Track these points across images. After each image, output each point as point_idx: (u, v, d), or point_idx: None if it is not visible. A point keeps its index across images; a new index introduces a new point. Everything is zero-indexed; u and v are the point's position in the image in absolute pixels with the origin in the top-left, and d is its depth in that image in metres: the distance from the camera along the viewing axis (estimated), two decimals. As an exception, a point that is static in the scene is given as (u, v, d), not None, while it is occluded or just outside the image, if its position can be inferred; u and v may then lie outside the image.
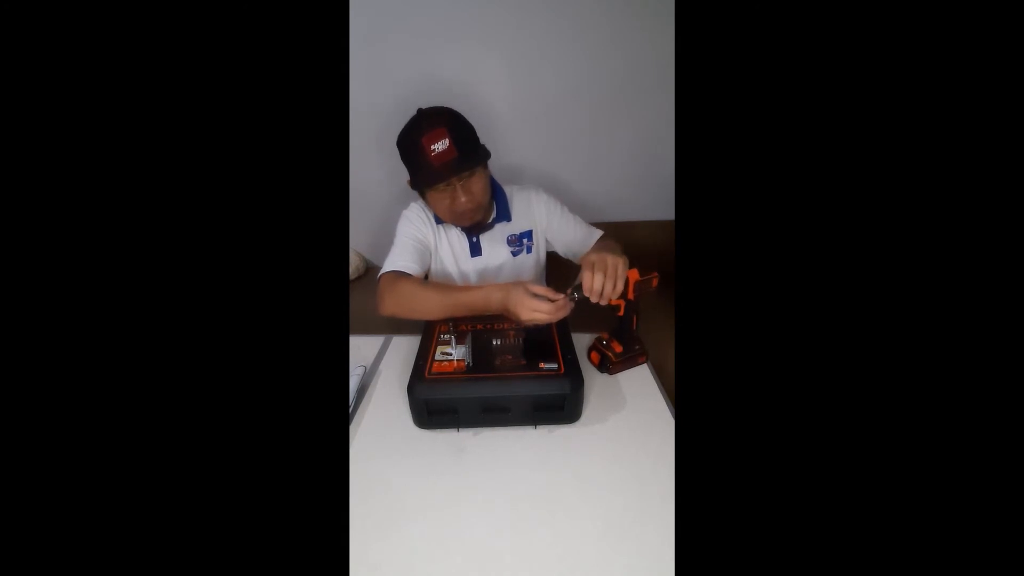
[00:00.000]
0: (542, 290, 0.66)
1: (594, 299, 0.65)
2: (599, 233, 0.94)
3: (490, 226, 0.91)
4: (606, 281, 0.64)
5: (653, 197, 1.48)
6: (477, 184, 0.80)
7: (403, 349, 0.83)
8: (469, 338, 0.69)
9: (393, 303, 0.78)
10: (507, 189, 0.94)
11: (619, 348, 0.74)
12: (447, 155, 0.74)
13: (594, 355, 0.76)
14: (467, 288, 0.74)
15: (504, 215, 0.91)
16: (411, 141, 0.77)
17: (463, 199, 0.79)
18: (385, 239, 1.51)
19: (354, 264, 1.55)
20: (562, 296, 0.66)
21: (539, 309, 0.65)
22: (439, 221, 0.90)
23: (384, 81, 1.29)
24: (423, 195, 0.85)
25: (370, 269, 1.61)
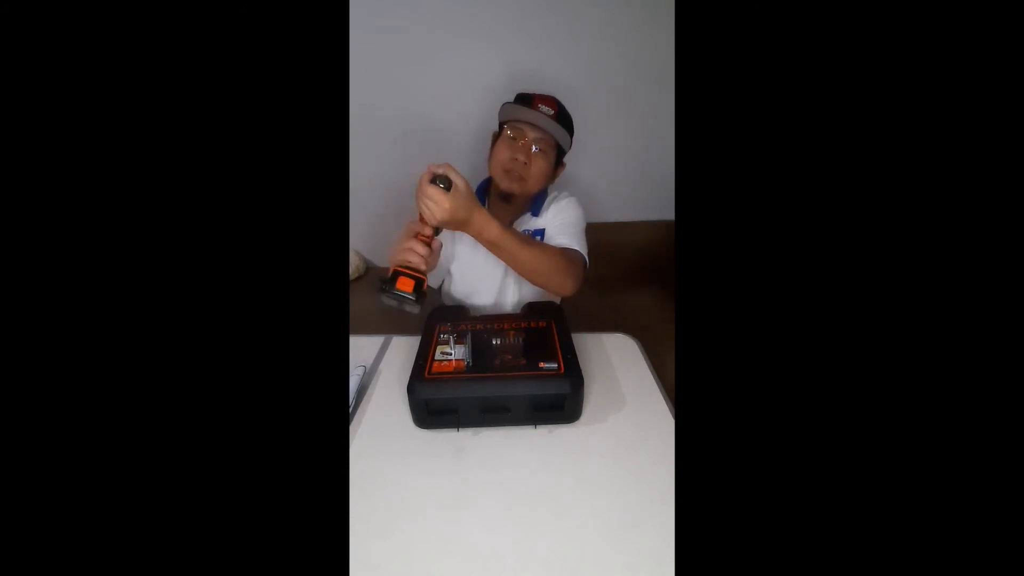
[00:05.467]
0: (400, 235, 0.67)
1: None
2: (575, 247, 0.86)
3: (521, 215, 0.96)
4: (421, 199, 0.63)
5: (652, 197, 1.48)
6: (539, 163, 0.88)
7: (403, 349, 0.83)
8: (469, 338, 0.69)
9: None
10: (549, 192, 0.98)
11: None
12: (547, 116, 0.85)
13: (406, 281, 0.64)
14: None
15: (536, 211, 0.96)
16: (527, 95, 0.89)
17: (521, 157, 0.86)
18: (385, 239, 1.51)
19: (354, 264, 1.55)
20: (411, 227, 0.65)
21: (402, 244, 0.65)
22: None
23: (384, 81, 1.30)
24: (495, 140, 0.92)
25: (370, 269, 1.61)
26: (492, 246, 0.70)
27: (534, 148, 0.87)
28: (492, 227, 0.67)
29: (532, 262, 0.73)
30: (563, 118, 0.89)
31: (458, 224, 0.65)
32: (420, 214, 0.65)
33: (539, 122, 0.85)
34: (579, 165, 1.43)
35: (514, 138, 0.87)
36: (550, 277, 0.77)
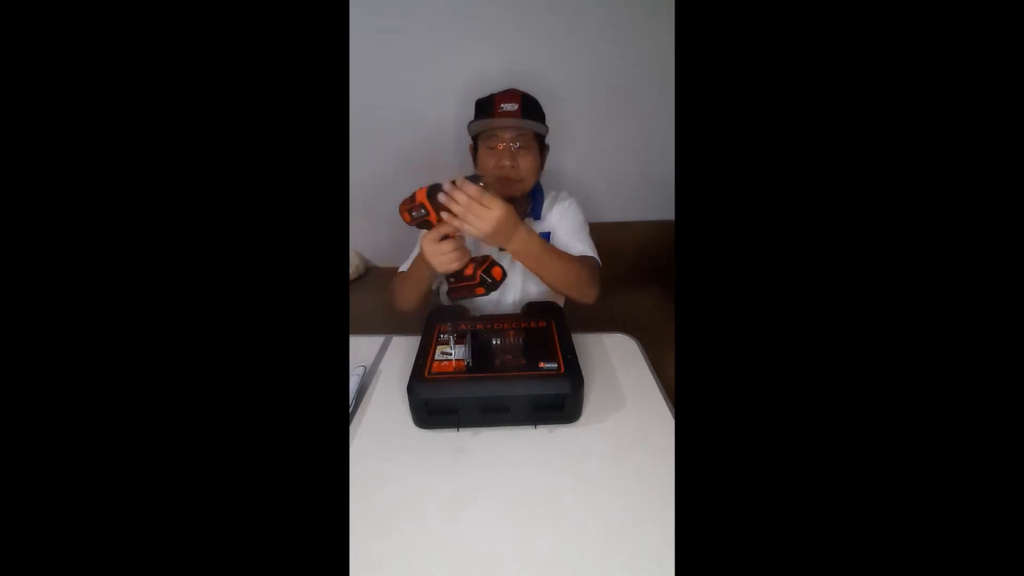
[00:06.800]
0: (429, 236, 0.65)
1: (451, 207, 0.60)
2: (590, 254, 0.88)
3: (523, 218, 0.95)
4: (463, 212, 0.59)
5: (652, 197, 1.48)
6: (526, 158, 0.87)
7: (403, 349, 0.83)
8: (469, 338, 0.69)
9: (391, 300, 0.86)
10: (546, 193, 0.98)
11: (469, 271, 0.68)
12: (512, 113, 0.84)
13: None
14: (414, 259, 0.80)
15: (536, 212, 0.95)
16: (487, 99, 0.88)
17: (507, 162, 0.85)
18: (385, 239, 1.51)
19: (354, 264, 1.55)
20: (453, 232, 0.63)
21: (443, 252, 0.64)
22: None
23: (384, 80, 1.30)
24: (475, 156, 0.92)
25: (370, 269, 1.61)
26: (533, 260, 0.70)
27: (516, 146, 0.86)
28: (535, 242, 0.67)
29: (563, 273, 0.75)
30: (529, 107, 0.87)
31: (504, 237, 0.63)
32: (438, 221, 0.63)
33: (506, 126, 0.84)
34: (580, 165, 1.44)
35: (492, 147, 0.86)
36: (579, 288, 0.78)
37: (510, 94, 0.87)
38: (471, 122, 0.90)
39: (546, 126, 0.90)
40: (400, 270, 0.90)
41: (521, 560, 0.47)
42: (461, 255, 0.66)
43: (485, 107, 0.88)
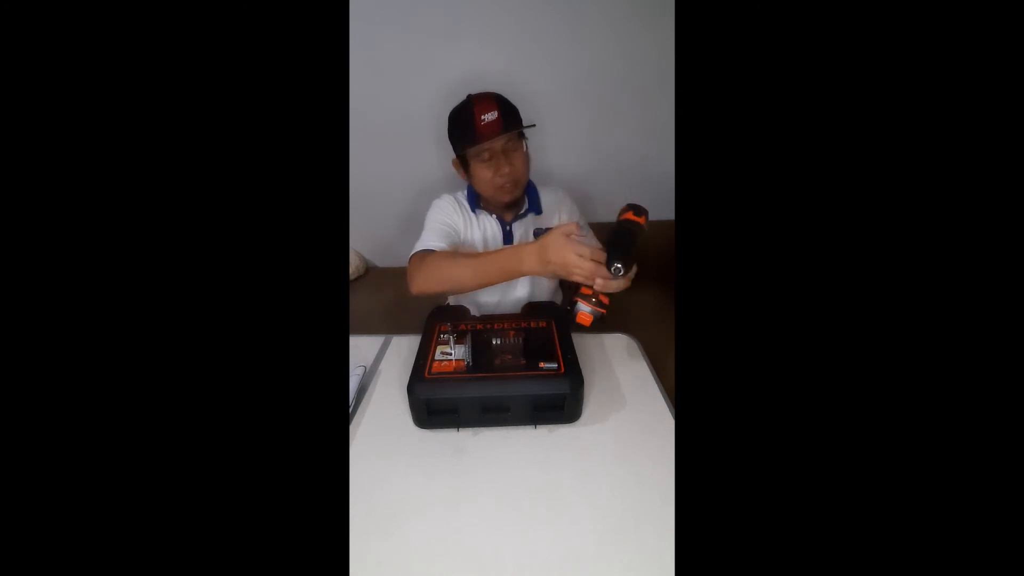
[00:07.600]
0: (582, 247, 0.62)
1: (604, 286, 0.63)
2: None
3: (524, 215, 0.95)
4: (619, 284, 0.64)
5: (652, 197, 1.48)
6: (518, 157, 0.88)
7: (403, 349, 0.83)
8: (469, 338, 0.69)
9: (423, 278, 0.79)
10: (537, 188, 0.98)
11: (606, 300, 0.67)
12: (495, 124, 0.82)
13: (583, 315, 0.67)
14: (497, 250, 0.74)
15: (535, 207, 0.96)
16: (463, 111, 0.85)
17: (505, 169, 0.85)
18: (385, 239, 1.51)
19: (354, 264, 1.55)
20: (602, 253, 0.62)
21: (582, 257, 0.61)
22: (475, 208, 0.95)
23: (384, 81, 1.30)
24: (467, 171, 0.90)
25: (370, 269, 1.61)
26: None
27: (509, 151, 0.85)
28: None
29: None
30: (506, 111, 0.85)
31: None
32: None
33: (496, 143, 0.83)
34: (580, 165, 1.43)
35: (484, 159, 0.85)
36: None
37: (486, 103, 0.84)
38: (453, 132, 0.88)
39: (526, 123, 0.88)
40: (426, 248, 0.85)
41: (521, 560, 0.47)
42: (592, 278, 0.63)
43: (465, 122, 0.84)
